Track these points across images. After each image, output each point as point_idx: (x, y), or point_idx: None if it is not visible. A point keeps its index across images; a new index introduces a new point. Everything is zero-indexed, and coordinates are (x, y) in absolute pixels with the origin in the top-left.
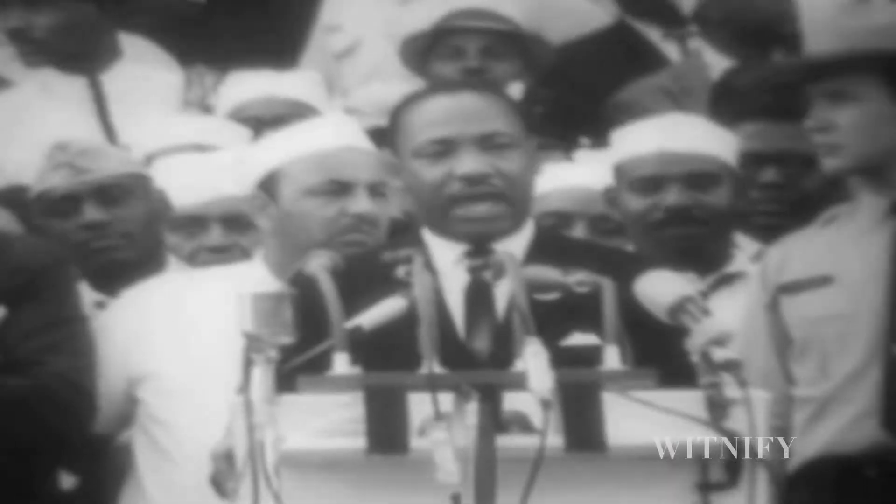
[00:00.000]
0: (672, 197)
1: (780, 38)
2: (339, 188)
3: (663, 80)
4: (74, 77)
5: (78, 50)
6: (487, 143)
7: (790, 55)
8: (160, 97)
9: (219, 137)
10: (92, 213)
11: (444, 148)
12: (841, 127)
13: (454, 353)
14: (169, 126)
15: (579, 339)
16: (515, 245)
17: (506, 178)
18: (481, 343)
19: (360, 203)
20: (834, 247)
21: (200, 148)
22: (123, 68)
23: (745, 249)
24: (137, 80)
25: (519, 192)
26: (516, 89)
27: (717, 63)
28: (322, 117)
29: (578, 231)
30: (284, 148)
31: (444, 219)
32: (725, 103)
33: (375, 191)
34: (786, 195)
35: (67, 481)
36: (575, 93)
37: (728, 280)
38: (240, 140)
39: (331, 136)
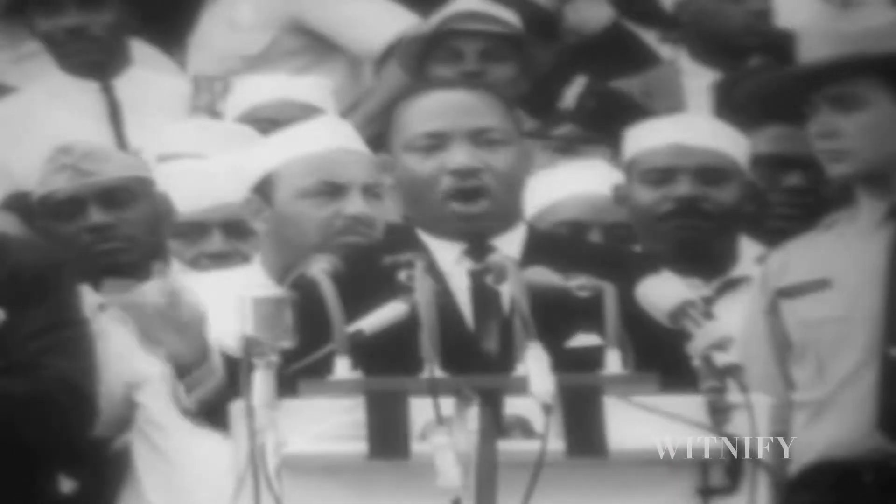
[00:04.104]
0: (683, 188)
1: (755, 48)
2: (334, 189)
3: (635, 83)
4: (86, 82)
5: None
6: (479, 137)
7: (769, 63)
8: (169, 103)
9: (226, 143)
10: (96, 215)
11: (437, 142)
12: (848, 133)
13: (466, 353)
14: (177, 132)
15: (583, 339)
16: (509, 244)
17: (496, 175)
18: (490, 342)
19: (355, 204)
20: (833, 251)
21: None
22: (134, 74)
23: (750, 253)
24: (147, 85)
25: (508, 190)
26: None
27: (692, 69)
28: (315, 119)
29: (593, 239)
30: (278, 151)
31: (435, 215)
32: (728, 112)
33: (370, 192)
34: (809, 199)
35: (66, 485)
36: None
37: (733, 285)
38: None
39: (324, 137)
